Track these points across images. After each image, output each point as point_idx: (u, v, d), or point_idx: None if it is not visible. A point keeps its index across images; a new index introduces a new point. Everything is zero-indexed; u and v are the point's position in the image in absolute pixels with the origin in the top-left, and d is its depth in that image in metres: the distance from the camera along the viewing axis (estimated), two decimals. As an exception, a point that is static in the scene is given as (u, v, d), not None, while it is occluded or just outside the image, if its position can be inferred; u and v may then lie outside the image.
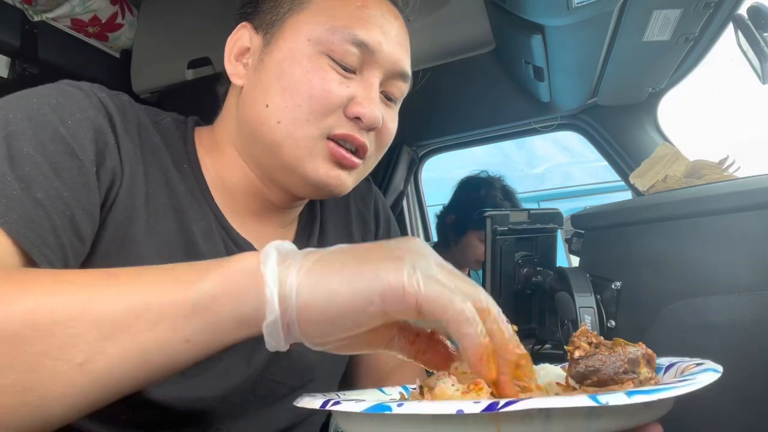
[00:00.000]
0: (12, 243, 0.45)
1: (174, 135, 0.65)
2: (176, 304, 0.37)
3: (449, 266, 0.38)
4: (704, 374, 0.34)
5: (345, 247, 0.39)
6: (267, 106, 0.61)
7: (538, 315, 0.96)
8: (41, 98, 0.53)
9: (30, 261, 0.47)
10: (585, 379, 0.38)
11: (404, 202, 2.28)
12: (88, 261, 0.54)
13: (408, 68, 0.67)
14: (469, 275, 2.01)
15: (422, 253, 0.37)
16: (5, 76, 1.44)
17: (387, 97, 0.67)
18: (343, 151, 0.61)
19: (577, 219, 0.94)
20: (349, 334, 0.37)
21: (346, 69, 0.61)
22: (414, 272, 0.35)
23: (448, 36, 1.41)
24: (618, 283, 0.80)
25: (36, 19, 1.44)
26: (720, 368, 0.36)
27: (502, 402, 0.29)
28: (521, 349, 0.38)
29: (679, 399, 0.31)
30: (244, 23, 0.67)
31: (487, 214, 1.00)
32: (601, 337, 0.41)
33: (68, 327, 0.35)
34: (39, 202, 0.47)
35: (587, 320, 0.79)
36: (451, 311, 0.35)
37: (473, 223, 1.89)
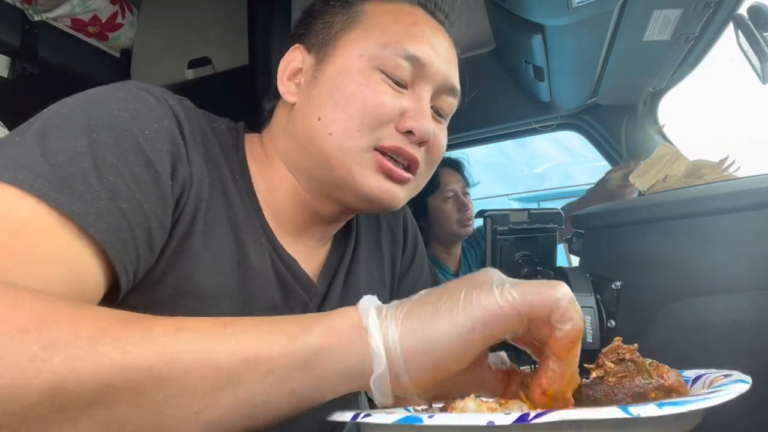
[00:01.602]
0: (101, 252, 0.45)
1: (229, 143, 0.66)
2: (285, 356, 0.37)
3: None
4: (734, 385, 0.34)
5: (430, 291, 0.40)
6: (319, 119, 0.61)
7: (538, 315, 0.96)
8: (119, 103, 0.51)
9: (111, 270, 0.47)
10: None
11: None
12: (150, 270, 0.54)
13: (457, 83, 0.67)
14: (463, 252, 1.98)
15: (500, 275, 0.39)
16: (5, 75, 1.44)
17: (437, 113, 0.67)
18: (390, 164, 0.61)
19: (577, 219, 0.94)
20: (456, 369, 0.38)
21: (398, 83, 0.62)
22: (503, 288, 0.37)
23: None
24: (618, 283, 0.80)
25: (36, 18, 1.44)
26: (749, 379, 0.36)
27: (532, 413, 0.29)
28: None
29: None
30: (297, 45, 0.68)
31: (487, 214, 0.99)
32: (636, 353, 0.40)
33: (187, 377, 0.35)
34: (123, 213, 0.47)
35: (587, 320, 0.79)
36: (554, 303, 0.36)
37: (423, 195, 1.86)
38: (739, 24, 1.09)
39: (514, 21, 1.17)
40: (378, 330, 0.37)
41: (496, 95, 1.72)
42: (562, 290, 0.37)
